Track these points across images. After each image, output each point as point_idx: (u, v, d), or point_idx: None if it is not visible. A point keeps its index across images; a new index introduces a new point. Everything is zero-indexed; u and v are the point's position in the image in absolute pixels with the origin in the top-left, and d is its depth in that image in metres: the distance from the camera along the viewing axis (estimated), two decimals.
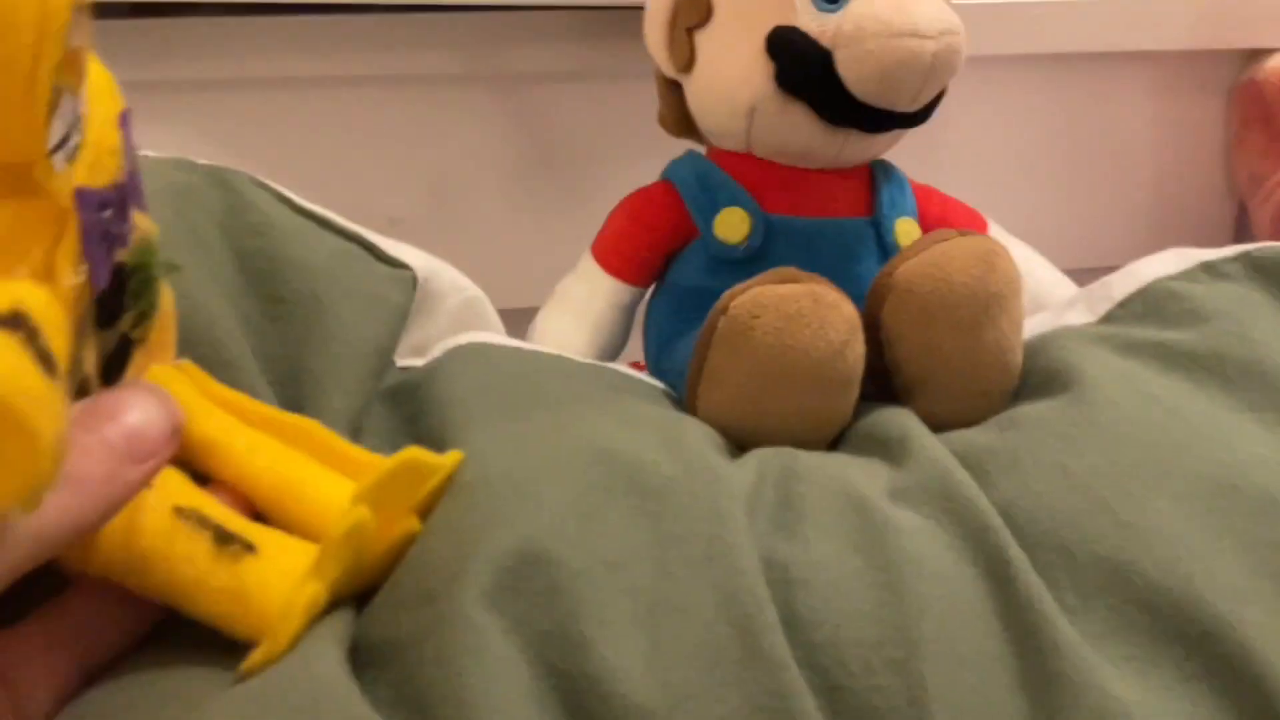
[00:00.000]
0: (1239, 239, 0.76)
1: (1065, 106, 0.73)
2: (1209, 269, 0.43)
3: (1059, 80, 0.73)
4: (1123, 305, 0.43)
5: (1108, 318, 0.43)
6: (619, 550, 0.29)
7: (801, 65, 0.43)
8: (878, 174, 0.49)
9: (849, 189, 0.47)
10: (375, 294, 0.41)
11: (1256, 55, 0.73)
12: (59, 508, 0.22)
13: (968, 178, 0.72)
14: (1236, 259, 0.43)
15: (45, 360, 0.20)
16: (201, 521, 0.26)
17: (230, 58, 0.58)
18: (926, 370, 0.39)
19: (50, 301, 0.21)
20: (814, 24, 0.43)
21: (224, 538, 0.26)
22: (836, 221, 0.47)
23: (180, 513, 0.26)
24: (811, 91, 0.43)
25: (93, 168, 0.24)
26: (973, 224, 0.53)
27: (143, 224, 0.27)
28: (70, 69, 0.22)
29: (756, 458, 0.35)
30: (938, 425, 0.37)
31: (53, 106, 0.21)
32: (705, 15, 0.45)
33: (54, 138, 0.22)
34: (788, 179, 0.46)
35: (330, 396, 0.37)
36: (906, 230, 0.48)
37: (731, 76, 0.45)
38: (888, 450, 0.36)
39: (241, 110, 0.61)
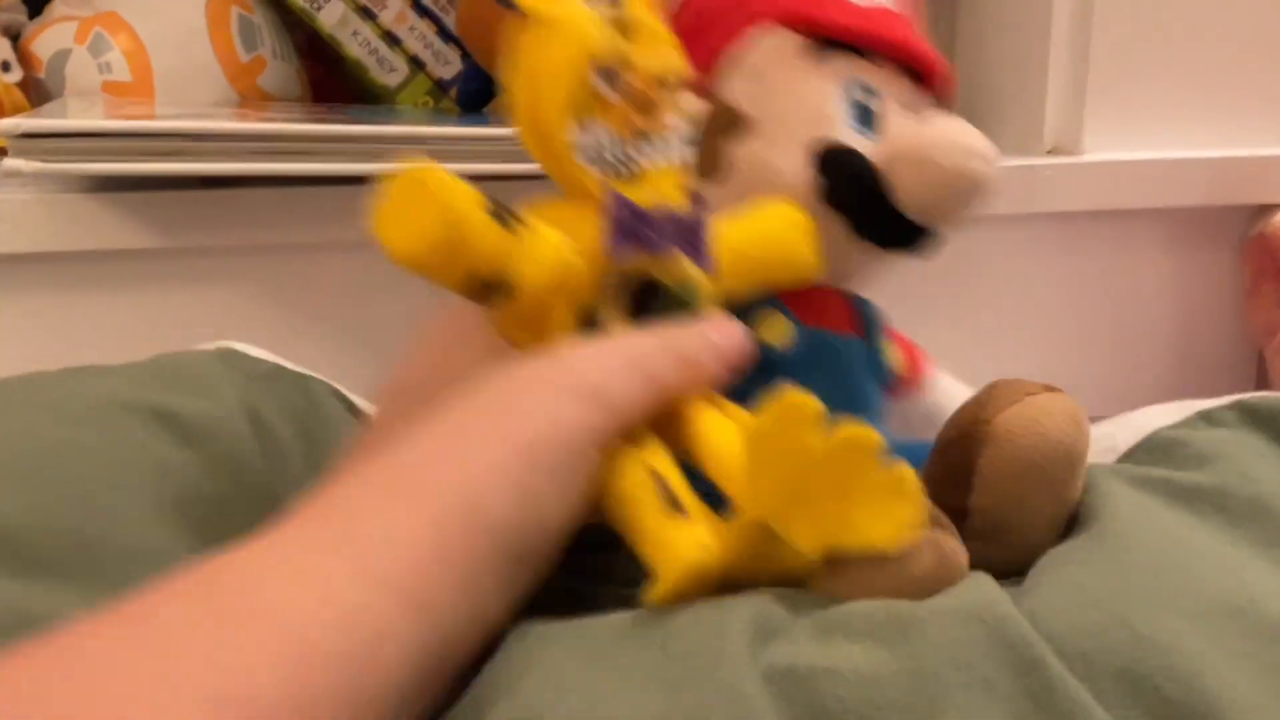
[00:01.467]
0: (1261, 388, 0.77)
1: (1084, 262, 0.76)
2: (1206, 417, 0.45)
3: (1078, 237, 0.75)
4: (1127, 455, 0.45)
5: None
6: (628, 693, 0.30)
7: (854, 180, 0.45)
8: (852, 295, 0.51)
9: (839, 306, 0.49)
10: None
11: (1265, 210, 0.75)
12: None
13: (994, 330, 0.75)
14: (1231, 407, 0.45)
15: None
16: (663, 485, 0.34)
17: (296, 224, 0.63)
18: (1011, 520, 0.40)
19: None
20: (853, 143, 0.45)
21: (673, 504, 0.34)
22: (838, 335, 0.48)
23: (654, 475, 0.34)
24: (857, 205, 0.45)
25: (651, 192, 0.39)
26: (919, 356, 0.55)
27: (687, 266, 0.40)
28: (596, 108, 0.37)
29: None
30: (1000, 571, 0.38)
31: (574, 126, 0.37)
32: (740, 126, 0.47)
33: (584, 152, 0.38)
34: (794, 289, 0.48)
35: None
36: (892, 352, 0.50)
37: (772, 186, 0.46)
38: None
39: (309, 272, 0.65)
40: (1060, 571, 0.36)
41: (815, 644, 0.32)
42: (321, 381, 0.47)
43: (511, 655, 0.33)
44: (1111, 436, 0.47)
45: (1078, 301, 0.76)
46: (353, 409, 0.47)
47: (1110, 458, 0.46)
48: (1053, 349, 0.77)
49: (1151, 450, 0.45)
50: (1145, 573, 0.35)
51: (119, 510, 0.36)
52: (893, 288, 0.72)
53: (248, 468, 0.41)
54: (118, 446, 0.38)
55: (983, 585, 0.35)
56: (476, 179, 0.64)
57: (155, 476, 0.38)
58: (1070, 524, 0.41)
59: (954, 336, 0.74)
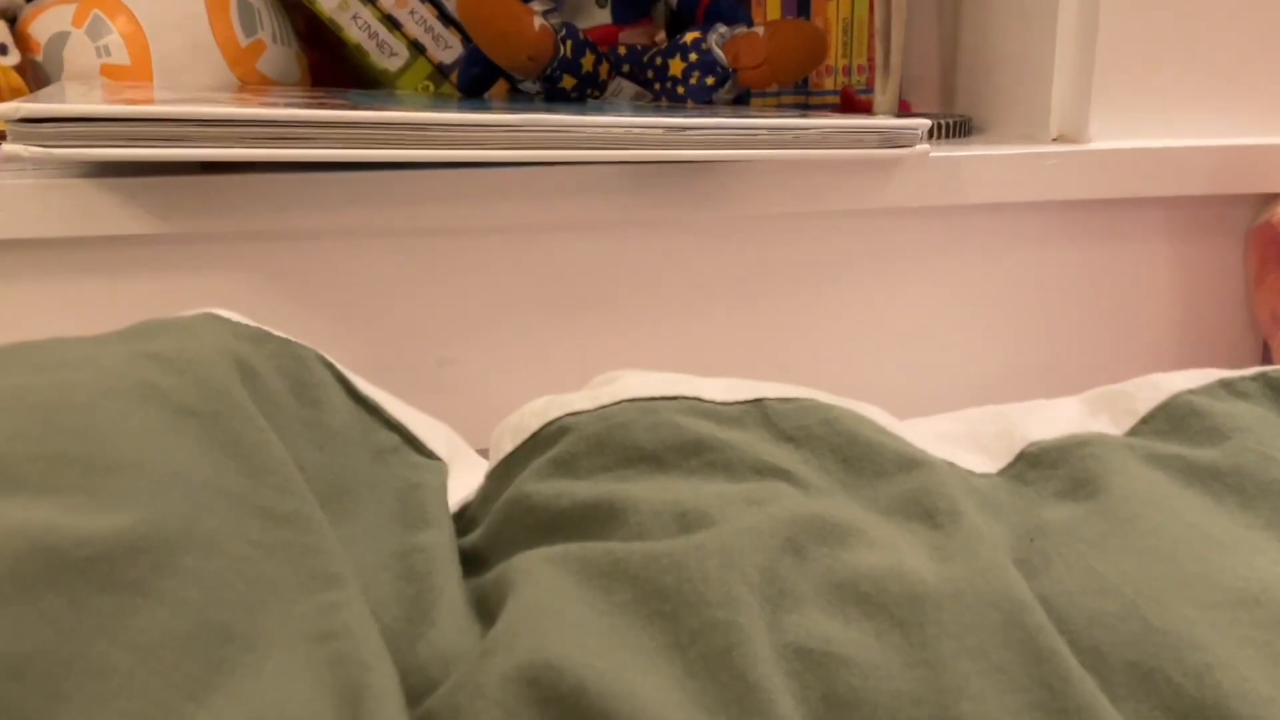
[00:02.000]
0: None
1: (1089, 250, 0.75)
2: (1228, 386, 0.45)
3: (1083, 225, 0.75)
4: (1146, 421, 0.45)
5: (1133, 432, 0.45)
6: (643, 663, 0.30)
7: None
8: None
9: None
10: (414, 482, 0.44)
11: (1271, 199, 0.75)
12: None
13: (997, 318, 0.74)
14: (1254, 379, 0.45)
15: None
16: None
17: (296, 211, 0.62)
18: None
19: None
20: None
21: None
22: None
23: None
24: None
25: None
26: None
27: None
28: None
29: (790, 516, 0.36)
30: None
31: None
32: None
33: None
34: None
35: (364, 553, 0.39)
36: None
37: None
38: (933, 521, 0.37)
39: (309, 259, 0.65)
40: (1072, 551, 0.36)
41: (827, 617, 0.32)
42: (308, 348, 0.46)
43: (523, 598, 0.33)
44: (1131, 398, 0.46)
45: (1082, 290, 0.76)
46: (341, 378, 0.46)
47: (1129, 420, 0.45)
48: (1056, 337, 0.76)
49: (1170, 418, 0.44)
50: (1159, 560, 0.35)
51: (102, 431, 0.35)
52: (898, 275, 0.72)
53: (238, 398, 0.39)
54: (103, 377, 0.37)
55: (997, 564, 0.35)
56: (478, 166, 0.64)
57: (141, 398, 0.37)
58: (1070, 485, 0.41)
59: (957, 323, 0.74)
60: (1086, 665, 0.31)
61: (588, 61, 0.78)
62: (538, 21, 0.75)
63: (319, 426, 0.41)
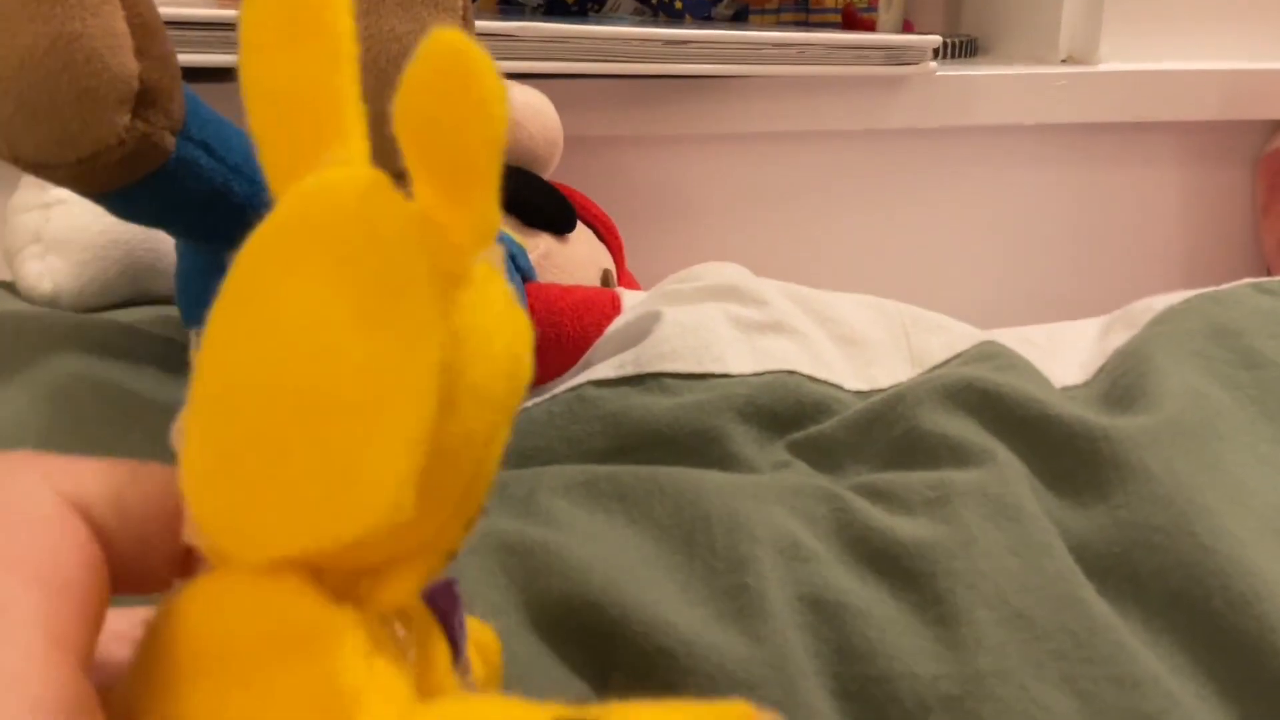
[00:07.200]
0: None
1: (1096, 174, 0.74)
2: (1259, 288, 0.44)
3: (1090, 148, 0.73)
4: (1169, 312, 0.44)
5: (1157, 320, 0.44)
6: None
7: None
8: None
9: None
10: None
11: None
12: None
13: (1003, 240, 0.73)
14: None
15: None
16: None
17: None
18: None
19: None
20: None
21: None
22: None
23: None
24: None
25: None
26: None
27: None
28: None
29: (811, 489, 0.34)
30: None
31: None
32: None
33: None
34: None
35: None
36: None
37: None
38: (961, 460, 0.35)
39: None
40: (1134, 455, 0.34)
41: (843, 569, 0.31)
42: None
43: (577, 531, 0.32)
44: (1149, 308, 0.46)
45: (1088, 215, 0.74)
46: None
47: (1146, 316, 0.44)
48: (1062, 261, 0.75)
49: (1188, 311, 0.43)
50: (1206, 467, 0.33)
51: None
52: (902, 196, 0.70)
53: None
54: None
55: (1012, 507, 0.33)
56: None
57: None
58: (1125, 395, 0.40)
59: (962, 246, 0.73)
60: (1126, 595, 0.30)
61: None
62: None
63: None
